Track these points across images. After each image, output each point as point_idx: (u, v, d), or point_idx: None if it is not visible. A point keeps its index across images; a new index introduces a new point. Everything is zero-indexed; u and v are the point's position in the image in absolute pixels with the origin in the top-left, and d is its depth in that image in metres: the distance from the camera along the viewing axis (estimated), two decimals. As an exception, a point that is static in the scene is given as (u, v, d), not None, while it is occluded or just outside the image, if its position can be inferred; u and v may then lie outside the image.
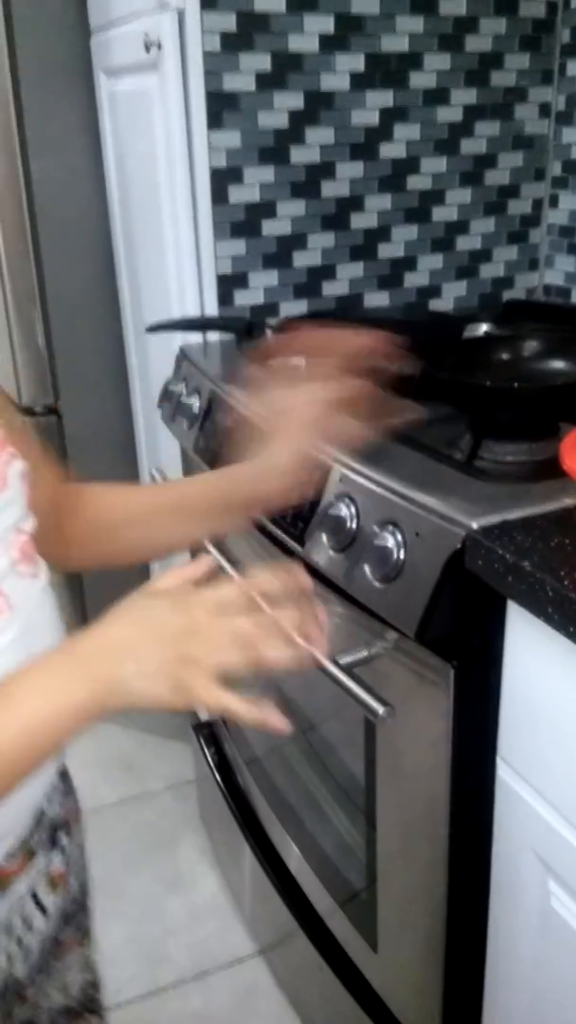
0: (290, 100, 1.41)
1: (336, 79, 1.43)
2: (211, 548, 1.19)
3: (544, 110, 1.60)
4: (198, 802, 1.82)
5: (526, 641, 0.78)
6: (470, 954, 0.96)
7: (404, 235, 1.57)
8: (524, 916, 0.86)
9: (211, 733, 1.69)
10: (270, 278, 1.50)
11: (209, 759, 1.64)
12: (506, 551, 0.74)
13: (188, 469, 1.51)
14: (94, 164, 1.78)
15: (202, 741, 1.68)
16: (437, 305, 1.65)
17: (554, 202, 1.67)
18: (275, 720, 0.60)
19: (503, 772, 0.85)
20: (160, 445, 1.80)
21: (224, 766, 1.62)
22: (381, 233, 1.56)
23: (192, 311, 1.47)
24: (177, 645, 0.58)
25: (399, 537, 0.84)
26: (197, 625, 0.59)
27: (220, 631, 0.59)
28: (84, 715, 0.57)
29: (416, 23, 1.45)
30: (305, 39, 1.38)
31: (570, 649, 0.69)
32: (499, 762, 0.85)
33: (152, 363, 1.74)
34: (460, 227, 1.62)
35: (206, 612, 0.59)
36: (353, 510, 0.91)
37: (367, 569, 0.88)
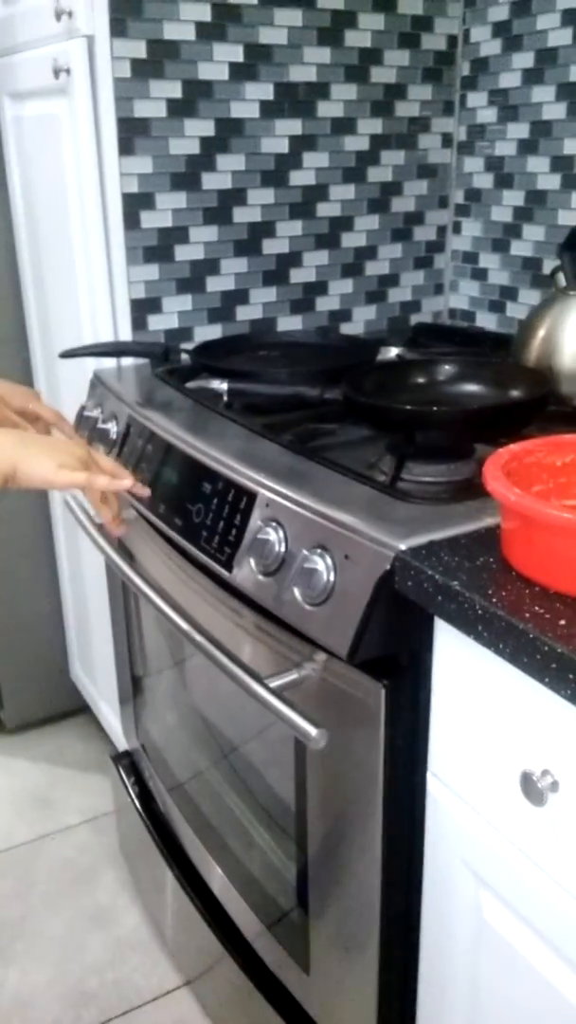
0: (201, 127, 1.42)
1: (246, 107, 1.45)
2: (128, 571, 1.18)
3: (447, 140, 1.66)
4: (117, 834, 1.79)
5: (454, 658, 0.80)
6: (404, 970, 0.97)
7: (315, 260, 1.60)
8: (457, 929, 0.88)
9: (130, 763, 1.66)
10: (184, 303, 1.50)
11: (129, 788, 1.61)
12: (435, 571, 0.75)
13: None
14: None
15: (121, 771, 1.65)
16: (348, 328, 1.68)
17: (457, 229, 1.73)
18: (136, 486, 0.92)
19: (433, 786, 0.87)
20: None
21: (145, 795, 1.59)
22: (293, 258, 1.58)
23: (105, 336, 1.46)
24: (57, 447, 0.87)
25: (328, 560, 0.85)
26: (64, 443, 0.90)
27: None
28: None
29: (323, 54, 1.48)
30: (215, 67, 1.40)
31: (498, 665, 0.71)
32: (429, 777, 0.87)
33: (62, 389, 1.71)
34: (369, 253, 1.66)
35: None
36: (281, 534, 0.91)
37: (296, 592, 0.88)
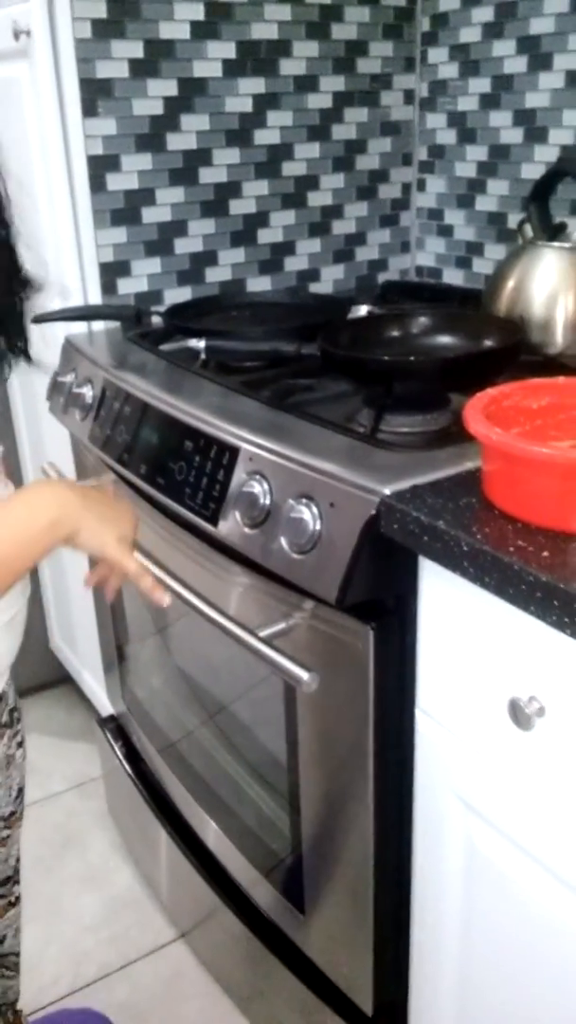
0: (164, 87, 1.41)
1: (208, 66, 1.44)
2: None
3: (408, 97, 1.67)
4: (106, 798, 1.81)
5: (440, 597, 0.83)
6: (398, 904, 1.01)
7: (282, 220, 1.61)
8: (449, 857, 0.91)
9: (117, 726, 1.68)
10: (153, 265, 1.50)
11: (117, 751, 1.64)
12: (420, 513, 0.78)
13: (80, 460, 1.49)
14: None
15: (108, 734, 1.67)
16: (317, 288, 1.69)
17: (422, 186, 1.74)
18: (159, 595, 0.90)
19: (422, 723, 0.90)
20: (44, 439, 1.77)
21: (132, 756, 1.61)
22: (260, 219, 1.58)
23: (75, 301, 1.45)
24: (119, 520, 0.86)
25: (314, 509, 0.87)
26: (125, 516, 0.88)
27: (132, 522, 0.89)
28: (56, 529, 0.78)
29: (284, 11, 1.48)
30: (176, 26, 1.39)
31: (484, 599, 0.74)
32: (418, 714, 0.90)
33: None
34: (335, 212, 1.66)
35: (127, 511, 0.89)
36: (266, 486, 0.93)
37: (283, 542, 0.90)
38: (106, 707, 1.75)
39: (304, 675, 0.89)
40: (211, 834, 1.37)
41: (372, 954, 1.04)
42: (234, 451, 0.99)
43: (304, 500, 0.89)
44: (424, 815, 0.94)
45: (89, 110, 1.36)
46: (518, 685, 0.76)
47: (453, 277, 1.71)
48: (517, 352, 1.06)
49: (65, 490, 0.82)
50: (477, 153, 1.59)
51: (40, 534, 0.78)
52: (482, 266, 1.64)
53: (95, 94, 1.36)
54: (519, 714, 0.75)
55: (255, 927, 1.27)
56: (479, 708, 0.81)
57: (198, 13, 1.40)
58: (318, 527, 0.87)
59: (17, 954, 1.06)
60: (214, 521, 1.00)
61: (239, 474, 0.98)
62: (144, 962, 1.53)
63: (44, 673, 2.15)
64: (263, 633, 0.95)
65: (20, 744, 1.02)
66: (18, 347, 0.87)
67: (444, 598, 0.82)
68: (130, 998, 1.47)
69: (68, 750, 2.02)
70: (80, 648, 1.92)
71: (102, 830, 1.80)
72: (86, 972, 1.51)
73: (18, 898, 1.10)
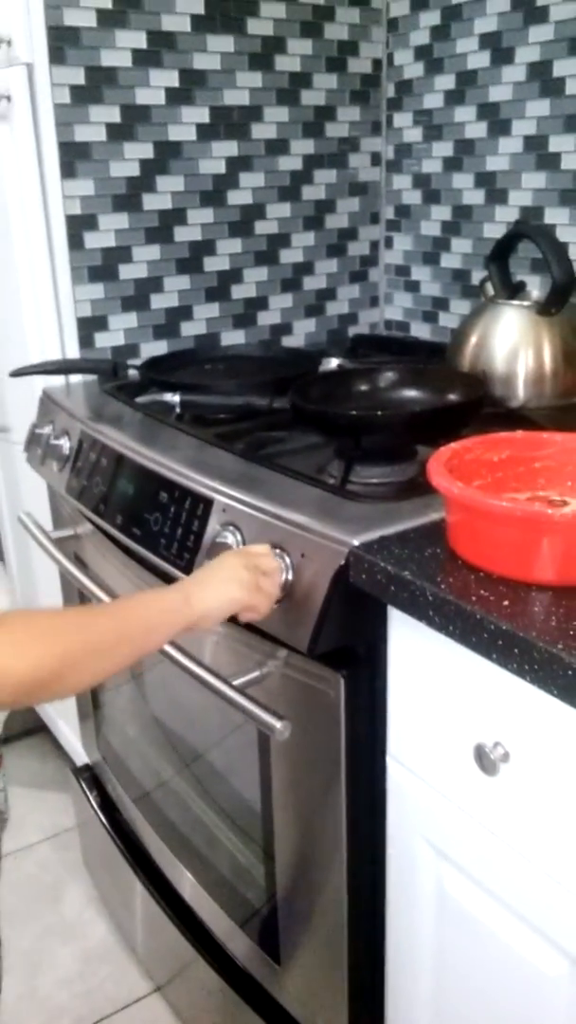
0: (140, 150, 1.47)
1: (183, 130, 1.50)
2: (86, 581, 1.21)
3: (375, 159, 1.74)
4: (80, 848, 1.80)
5: (408, 644, 0.85)
6: (372, 949, 1.02)
7: (255, 276, 1.66)
8: (421, 902, 0.92)
9: (92, 776, 1.68)
10: (129, 320, 1.54)
11: (92, 801, 1.63)
12: (387, 563, 0.81)
13: (56, 510, 1.51)
14: None
15: (83, 784, 1.66)
16: (289, 341, 1.74)
17: (389, 244, 1.80)
18: None
19: (393, 769, 0.92)
20: (21, 489, 1.79)
21: (107, 806, 1.61)
22: (234, 275, 1.63)
23: (53, 355, 1.49)
24: (239, 568, 0.86)
25: (286, 560, 0.90)
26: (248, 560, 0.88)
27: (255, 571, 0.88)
28: (177, 608, 0.81)
29: (255, 78, 1.54)
30: (152, 92, 1.45)
31: (449, 647, 0.77)
32: (388, 760, 0.92)
33: (9, 408, 1.73)
34: (306, 268, 1.72)
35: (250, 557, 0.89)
36: (239, 537, 0.96)
37: (256, 592, 0.92)
38: (81, 756, 1.74)
39: (277, 723, 0.90)
40: (187, 885, 1.37)
41: (348, 1002, 1.04)
42: (208, 502, 1.01)
43: (276, 551, 0.91)
44: (396, 861, 0.95)
45: (68, 172, 1.41)
46: (483, 731, 0.78)
47: (420, 330, 1.76)
48: (480, 406, 1.10)
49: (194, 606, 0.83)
50: (441, 213, 1.66)
51: (169, 629, 0.82)
52: (448, 320, 1.69)
53: (73, 156, 1.41)
54: (485, 760, 0.77)
55: (231, 979, 1.26)
56: (447, 754, 0.83)
57: (173, 80, 1.46)
58: (290, 577, 0.89)
59: None
60: (188, 571, 1.02)
61: (213, 525, 1.00)
62: (120, 1016, 1.51)
63: (17, 722, 2.14)
64: (236, 682, 0.96)
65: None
66: None
67: (412, 646, 0.85)
68: (104, 1054, 1.45)
69: (42, 800, 2.00)
70: (55, 697, 1.92)
71: (77, 881, 1.78)
72: (60, 1028, 1.49)
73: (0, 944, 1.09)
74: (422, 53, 1.62)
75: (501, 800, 0.78)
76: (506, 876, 0.80)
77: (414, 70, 1.65)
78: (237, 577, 0.85)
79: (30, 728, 2.14)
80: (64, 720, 1.89)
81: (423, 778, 0.88)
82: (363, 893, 0.99)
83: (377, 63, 1.68)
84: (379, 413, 1.08)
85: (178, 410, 1.28)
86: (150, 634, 0.81)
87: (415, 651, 0.84)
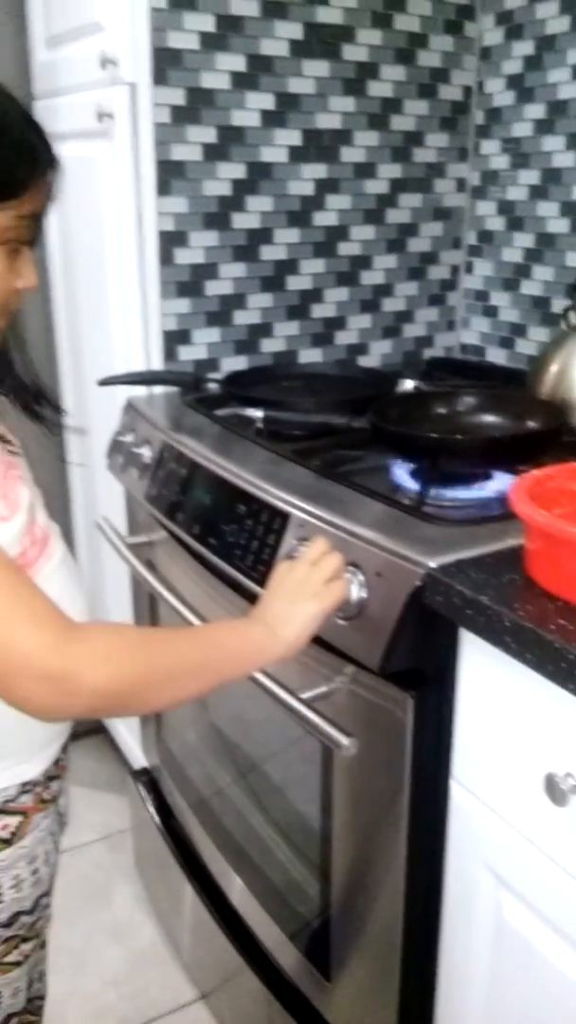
0: (233, 170, 1.50)
1: (275, 152, 1.53)
2: (159, 587, 1.23)
3: (461, 185, 1.75)
4: (133, 851, 1.82)
5: (480, 669, 0.85)
6: (424, 972, 1.02)
7: (335, 297, 1.68)
8: (478, 930, 0.92)
9: (149, 779, 1.70)
10: (212, 335, 1.57)
11: (148, 804, 1.66)
12: (464, 587, 0.81)
13: (132, 517, 1.55)
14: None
15: (140, 787, 1.69)
16: (365, 361, 1.75)
17: (470, 268, 1.81)
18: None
19: (457, 793, 0.92)
20: (98, 495, 1.83)
21: (163, 811, 1.63)
22: (315, 294, 1.66)
23: (137, 366, 1.53)
24: (305, 584, 0.87)
25: (360, 577, 0.91)
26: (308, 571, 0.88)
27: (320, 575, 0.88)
28: (264, 641, 0.83)
29: (347, 103, 1.57)
30: (248, 114, 1.48)
31: (524, 674, 0.77)
32: (453, 784, 0.92)
33: (92, 416, 1.78)
34: (386, 290, 1.73)
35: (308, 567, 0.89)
36: (314, 552, 0.97)
37: (329, 608, 0.94)
38: (139, 759, 1.77)
39: (344, 739, 0.91)
40: (238, 893, 1.38)
41: (397, 1020, 1.04)
42: (285, 516, 1.03)
43: (351, 568, 0.92)
44: (455, 886, 0.95)
45: (163, 189, 1.45)
46: (555, 761, 0.78)
47: (496, 356, 1.76)
48: (560, 434, 1.10)
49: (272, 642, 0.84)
50: (524, 240, 1.66)
51: (255, 661, 0.85)
52: (525, 347, 1.69)
53: (169, 174, 1.45)
54: (555, 790, 0.77)
55: (277, 991, 1.27)
56: (514, 781, 0.83)
57: (268, 103, 1.50)
58: (364, 595, 0.91)
59: (43, 998, 1.08)
60: (262, 583, 1.04)
61: (289, 539, 1.02)
62: (164, 1021, 1.52)
63: (79, 723, 2.18)
64: (305, 695, 0.98)
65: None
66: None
67: (484, 671, 0.85)
68: (148, 1057, 1.47)
69: (98, 800, 2.04)
70: (116, 699, 1.95)
71: (128, 883, 1.81)
72: (106, 1027, 1.51)
73: (46, 940, 1.11)
74: (513, 82, 1.63)
75: (569, 831, 0.78)
76: (569, 908, 0.80)
77: (504, 98, 1.66)
78: (308, 592, 0.86)
79: (90, 729, 2.18)
80: (124, 723, 1.93)
81: (488, 804, 0.88)
82: (419, 916, 0.99)
83: (468, 90, 1.69)
84: (458, 437, 1.08)
85: (259, 425, 1.31)
86: (234, 665, 0.82)
87: (487, 676, 0.85)
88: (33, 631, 0.66)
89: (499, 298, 1.75)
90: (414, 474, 1.09)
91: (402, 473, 1.10)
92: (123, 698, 0.71)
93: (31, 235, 0.78)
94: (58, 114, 1.63)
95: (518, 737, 0.82)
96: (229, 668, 0.82)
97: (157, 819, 1.62)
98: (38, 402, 0.89)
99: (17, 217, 0.74)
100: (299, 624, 0.84)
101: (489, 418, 1.19)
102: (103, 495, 1.77)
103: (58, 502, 2.03)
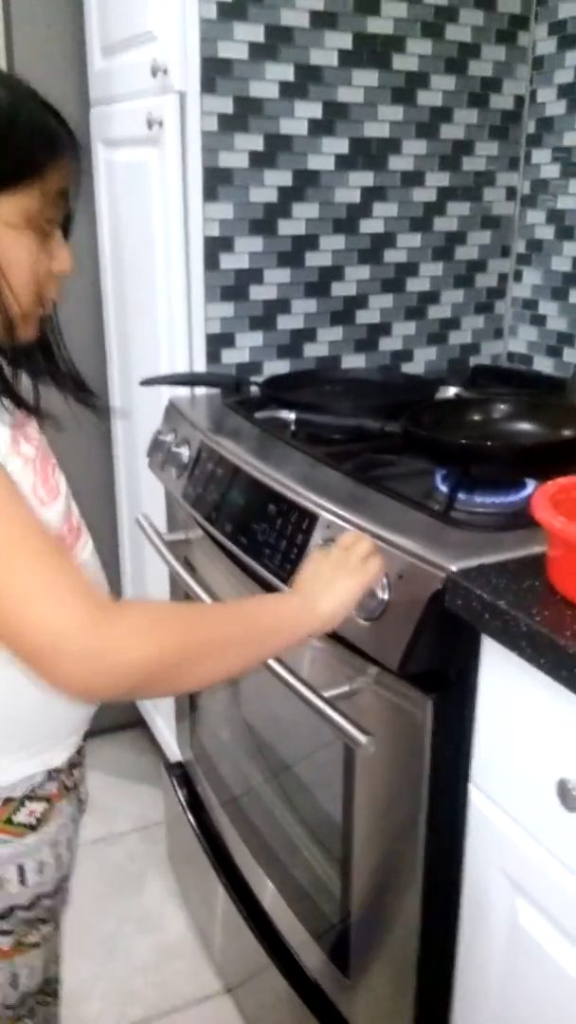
0: (280, 177, 1.53)
1: (322, 160, 1.55)
2: (194, 585, 1.26)
3: (511, 193, 1.74)
4: (166, 844, 1.85)
5: (499, 673, 0.86)
6: (440, 974, 1.02)
7: (380, 303, 1.69)
8: (493, 934, 0.92)
9: (183, 774, 1.73)
10: (255, 339, 1.60)
11: (181, 798, 1.68)
12: (483, 591, 0.82)
13: (172, 514, 1.58)
14: (88, 226, 1.88)
15: (174, 781, 1.72)
16: (409, 368, 1.76)
17: (518, 277, 1.80)
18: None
19: (475, 797, 0.92)
20: (141, 492, 1.87)
21: (196, 805, 1.66)
22: (359, 301, 1.67)
23: (181, 367, 1.56)
24: (341, 562, 0.88)
25: (384, 579, 0.92)
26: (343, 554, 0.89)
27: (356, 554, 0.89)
28: (302, 613, 0.83)
29: (396, 112, 1.58)
30: (295, 123, 1.51)
31: (539, 679, 0.77)
32: (471, 788, 0.93)
33: (136, 415, 1.82)
34: (432, 297, 1.74)
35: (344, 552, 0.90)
36: (340, 553, 0.99)
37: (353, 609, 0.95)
38: (174, 753, 1.80)
39: (363, 738, 0.93)
40: (266, 892, 1.40)
41: (413, 1020, 1.05)
42: (313, 517, 1.05)
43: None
44: (471, 889, 0.96)
45: (210, 195, 1.48)
46: (568, 767, 0.78)
47: (543, 365, 1.76)
48: (594, 444, 1.09)
49: (307, 615, 0.84)
50: (573, 249, 1.65)
51: (294, 633, 0.83)
52: (572, 356, 1.68)
53: (216, 181, 1.48)
54: (567, 796, 0.77)
55: (300, 989, 1.28)
56: (529, 787, 0.83)
57: (316, 112, 1.52)
58: (386, 596, 0.92)
59: (59, 980, 1.10)
60: (287, 581, 1.06)
61: (316, 539, 1.03)
62: (189, 1011, 1.55)
63: (119, 715, 2.23)
64: (327, 694, 0.99)
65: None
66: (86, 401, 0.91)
67: (503, 675, 0.85)
68: (172, 1045, 1.49)
69: (134, 792, 2.07)
70: (155, 695, 1.99)
71: (160, 875, 1.84)
72: (131, 1013, 1.54)
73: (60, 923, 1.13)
74: (566, 91, 1.62)
75: (580, 837, 0.78)
76: (580, 915, 0.80)
77: (556, 107, 1.65)
78: (346, 569, 0.86)
79: (130, 721, 2.22)
80: (162, 717, 1.96)
81: (505, 809, 0.88)
82: (436, 918, 1.00)
83: (519, 100, 1.69)
84: (488, 443, 1.09)
85: (293, 427, 1.33)
86: (272, 637, 0.82)
87: (505, 681, 0.85)
88: (71, 610, 0.65)
89: (547, 307, 1.74)
90: (444, 479, 1.10)
91: (439, 478, 1.10)
92: (163, 674, 0.70)
93: (59, 216, 0.79)
94: (112, 121, 1.68)
95: (533, 743, 0.82)
96: (267, 640, 0.81)
97: (189, 814, 1.64)
98: (81, 389, 0.91)
99: (42, 197, 0.75)
100: (337, 598, 0.84)
101: (524, 426, 1.19)
102: (145, 493, 1.81)
103: (104, 498, 2.07)
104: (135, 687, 0.69)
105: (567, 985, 0.83)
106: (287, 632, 0.83)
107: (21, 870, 0.87)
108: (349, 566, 0.87)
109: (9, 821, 0.86)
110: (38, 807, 0.88)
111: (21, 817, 0.86)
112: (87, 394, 0.91)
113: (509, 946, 0.91)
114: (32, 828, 0.87)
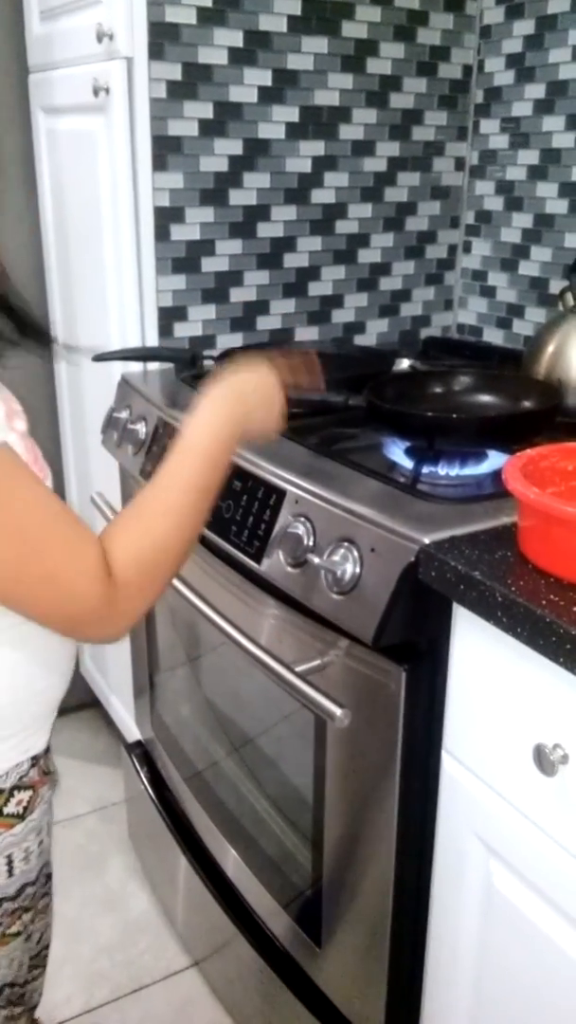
0: (230, 146, 1.50)
1: (273, 128, 1.53)
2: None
3: (459, 164, 1.75)
4: (127, 822, 1.85)
5: (472, 643, 0.87)
6: (414, 939, 1.04)
7: (332, 275, 1.68)
8: (468, 897, 0.94)
9: (143, 752, 1.72)
10: (208, 312, 1.58)
11: (142, 776, 1.68)
12: (457, 563, 0.83)
13: (127, 492, 1.56)
14: (27, 198, 1.82)
15: (134, 759, 1.71)
16: (361, 340, 1.76)
17: (467, 248, 1.81)
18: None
19: (447, 763, 0.94)
20: (92, 471, 1.84)
21: (157, 783, 1.65)
22: (311, 272, 1.66)
23: (133, 342, 1.53)
24: (279, 398, 0.94)
25: (355, 553, 0.92)
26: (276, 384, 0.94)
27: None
28: (234, 435, 0.87)
29: (346, 80, 1.57)
30: (245, 90, 1.48)
31: (515, 648, 0.79)
32: (444, 755, 0.94)
33: (85, 392, 1.78)
34: (383, 269, 1.74)
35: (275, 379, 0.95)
36: (309, 528, 0.98)
37: (324, 583, 0.95)
38: (132, 733, 1.79)
39: (337, 711, 0.93)
40: (231, 863, 1.40)
41: (386, 988, 1.07)
42: (281, 493, 1.04)
43: (346, 543, 0.94)
44: (445, 854, 0.97)
45: (159, 165, 1.45)
46: (544, 732, 0.80)
47: (493, 336, 1.77)
48: (554, 414, 1.11)
49: (235, 407, 0.88)
50: (522, 220, 1.66)
51: (225, 455, 0.86)
52: (522, 327, 1.70)
53: (165, 150, 1.45)
54: (543, 760, 0.79)
55: (269, 958, 1.30)
56: (504, 752, 0.85)
57: (266, 79, 1.49)
58: (358, 570, 0.92)
59: (48, 947, 1.09)
60: (258, 559, 1.05)
61: (284, 515, 1.03)
62: (157, 987, 1.55)
63: (72, 697, 2.20)
64: (299, 668, 0.99)
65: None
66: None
67: (476, 645, 0.87)
68: (141, 1022, 1.49)
69: (92, 773, 2.06)
70: (111, 673, 1.97)
71: (121, 854, 1.84)
72: (99, 994, 1.54)
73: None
74: (513, 61, 1.62)
75: (558, 801, 0.80)
76: (558, 876, 0.82)
77: (504, 77, 1.65)
78: (278, 410, 0.93)
79: (84, 703, 2.20)
80: (117, 696, 1.95)
81: (478, 774, 0.89)
82: (409, 884, 1.02)
83: (467, 69, 1.69)
84: (454, 416, 1.09)
85: (254, 402, 1.31)
86: (217, 471, 0.85)
87: (479, 650, 0.86)
88: (90, 590, 0.72)
89: (497, 278, 1.75)
90: (409, 452, 1.10)
91: (397, 451, 1.11)
92: (163, 583, 0.78)
93: None
94: (53, 88, 1.62)
95: (508, 709, 0.84)
96: (221, 463, 0.85)
97: (151, 791, 1.64)
98: (27, 325, 0.88)
99: None
100: (260, 430, 0.91)
101: (485, 398, 1.20)
102: (96, 471, 1.78)
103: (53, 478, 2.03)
104: (147, 603, 0.78)
105: (543, 945, 0.85)
106: (225, 460, 0.86)
107: (9, 861, 0.86)
108: (280, 407, 0.93)
109: (0, 813, 0.84)
110: (24, 796, 0.86)
111: (11, 808, 0.85)
112: (37, 334, 0.88)
113: (483, 908, 0.93)
114: (20, 817, 0.86)
